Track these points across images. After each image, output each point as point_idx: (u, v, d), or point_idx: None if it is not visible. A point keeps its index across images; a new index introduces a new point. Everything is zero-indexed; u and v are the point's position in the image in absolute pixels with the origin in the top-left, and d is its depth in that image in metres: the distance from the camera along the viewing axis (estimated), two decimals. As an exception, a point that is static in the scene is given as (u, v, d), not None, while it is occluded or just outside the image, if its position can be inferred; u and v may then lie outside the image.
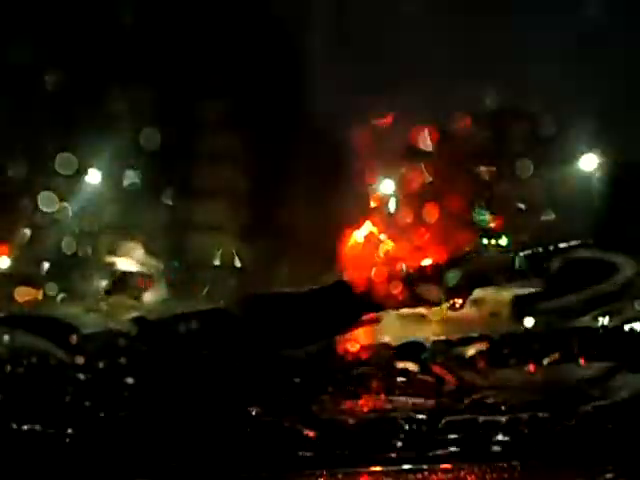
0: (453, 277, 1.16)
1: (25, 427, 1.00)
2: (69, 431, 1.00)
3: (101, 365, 1.08)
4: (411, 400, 1.22)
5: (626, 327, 1.20)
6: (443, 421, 1.09)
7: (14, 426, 1.00)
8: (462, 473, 0.99)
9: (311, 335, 1.15)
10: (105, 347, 1.11)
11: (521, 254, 1.15)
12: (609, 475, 1.00)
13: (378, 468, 1.02)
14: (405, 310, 1.21)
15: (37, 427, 1.00)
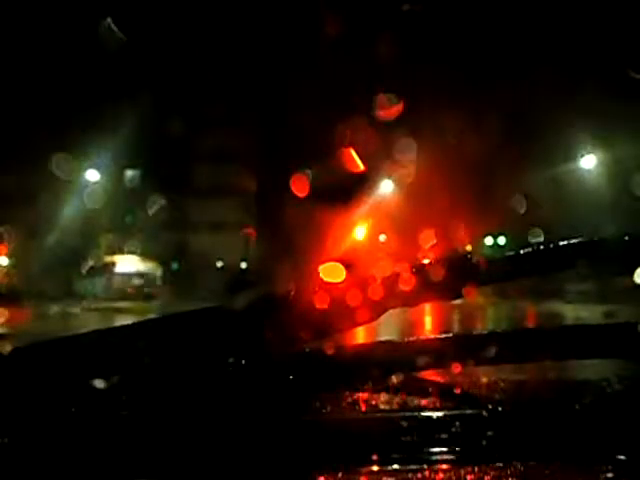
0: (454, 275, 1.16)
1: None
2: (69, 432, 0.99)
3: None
4: (412, 399, 1.22)
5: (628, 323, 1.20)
6: (443, 421, 1.09)
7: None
8: (462, 473, 0.99)
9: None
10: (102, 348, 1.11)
11: (521, 252, 1.14)
12: (609, 475, 0.99)
13: (378, 468, 1.02)
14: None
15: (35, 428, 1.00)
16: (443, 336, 1.24)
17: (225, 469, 0.99)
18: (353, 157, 19.28)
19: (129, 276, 28.13)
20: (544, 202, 22.62)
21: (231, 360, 1.07)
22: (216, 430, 1.02)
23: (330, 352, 1.13)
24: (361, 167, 19.80)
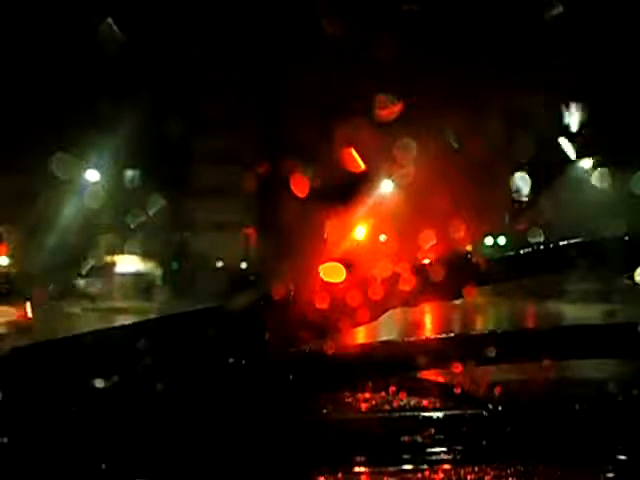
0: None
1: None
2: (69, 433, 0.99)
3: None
4: (412, 399, 1.22)
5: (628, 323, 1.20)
6: (443, 421, 1.09)
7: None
8: (462, 473, 0.99)
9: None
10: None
11: (521, 252, 1.14)
12: (609, 475, 0.99)
13: (378, 468, 1.02)
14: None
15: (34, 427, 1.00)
16: (443, 336, 1.24)
17: (225, 469, 0.99)
18: (354, 157, 19.28)
19: (129, 276, 28.14)
20: (545, 202, 22.62)
21: (231, 360, 1.07)
22: (216, 430, 1.02)
23: (330, 352, 1.13)
24: (362, 166, 19.78)
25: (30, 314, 15.69)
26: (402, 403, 1.21)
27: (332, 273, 1.13)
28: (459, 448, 1.05)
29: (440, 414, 1.10)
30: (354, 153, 19.38)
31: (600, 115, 20.31)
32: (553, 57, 21.02)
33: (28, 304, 16.20)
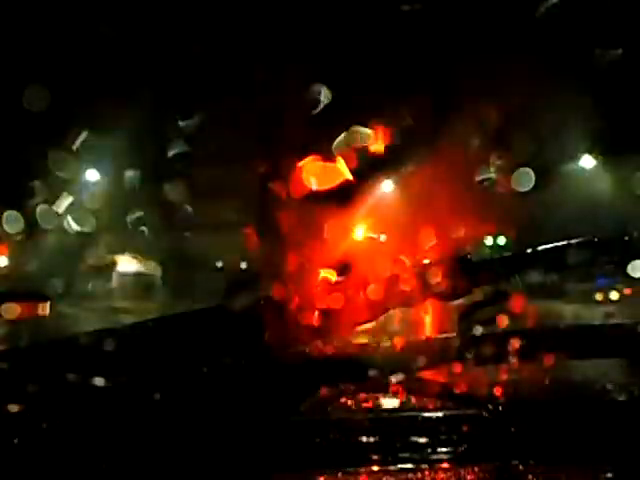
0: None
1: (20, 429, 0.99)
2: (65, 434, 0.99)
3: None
4: (412, 399, 1.22)
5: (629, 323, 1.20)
6: (443, 421, 1.09)
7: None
8: (462, 473, 0.99)
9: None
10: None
11: (521, 252, 1.15)
12: (609, 475, 0.99)
13: (378, 468, 1.02)
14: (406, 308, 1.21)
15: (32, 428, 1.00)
16: (443, 336, 1.24)
17: (225, 468, 0.99)
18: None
19: (129, 276, 28.08)
20: (544, 202, 22.59)
21: (231, 360, 1.07)
22: (216, 429, 1.02)
23: (330, 352, 1.13)
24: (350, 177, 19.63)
25: (47, 312, 15.67)
26: (402, 403, 1.20)
27: (331, 273, 1.13)
28: (459, 448, 1.04)
29: (440, 414, 1.10)
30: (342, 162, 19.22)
31: (601, 113, 20.30)
32: (553, 55, 21.01)
33: (47, 303, 16.18)
